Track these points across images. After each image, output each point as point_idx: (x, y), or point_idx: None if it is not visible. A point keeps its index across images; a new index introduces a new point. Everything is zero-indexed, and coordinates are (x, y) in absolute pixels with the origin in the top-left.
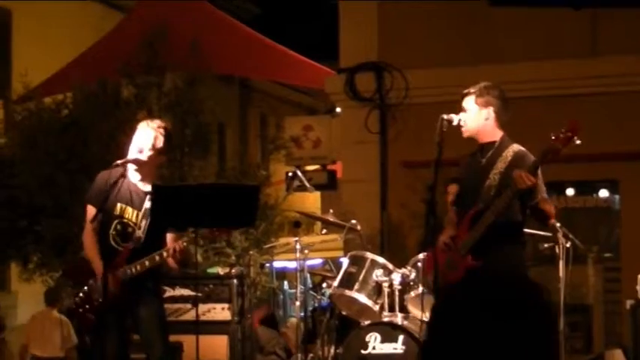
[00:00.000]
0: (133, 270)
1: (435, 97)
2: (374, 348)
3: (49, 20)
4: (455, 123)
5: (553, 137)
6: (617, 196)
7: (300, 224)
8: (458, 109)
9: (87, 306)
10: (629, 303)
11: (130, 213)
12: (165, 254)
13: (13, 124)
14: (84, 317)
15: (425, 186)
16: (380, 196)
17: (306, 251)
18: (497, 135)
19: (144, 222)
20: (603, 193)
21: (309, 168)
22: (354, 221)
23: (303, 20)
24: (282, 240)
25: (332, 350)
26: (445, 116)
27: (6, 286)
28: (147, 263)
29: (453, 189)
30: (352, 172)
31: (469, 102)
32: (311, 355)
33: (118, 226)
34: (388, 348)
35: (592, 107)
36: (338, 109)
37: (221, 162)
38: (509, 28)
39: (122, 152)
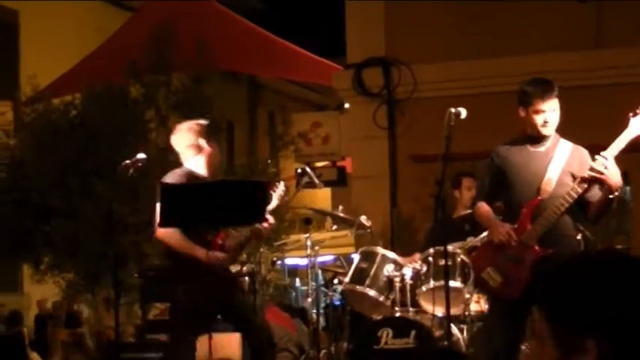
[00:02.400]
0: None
1: (443, 91)
2: (386, 343)
3: (56, 20)
4: (463, 116)
5: (633, 117)
6: (627, 188)
7: (310, 221)
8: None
9: (203, 297)
10: None
11: None
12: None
13: (22, 126)
14: (204, 310)
15: (434, 180)
16: (390, 191)
17: (316, 248)
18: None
19: None
20: None
21: (319, 164)
22: (363, 217)
23: (310, 16)
24: (293, 237)
25: (344, 346)
26: (453, 110)
27: (18, 287)
28: (242, 239)
29: (468, 182)
30: (362, 167)
31: (556, 103)
32: (324, 351)
33: None
34: (400, 343)
35: (599, 99)
36: (346, 105)
37: (230, 159)
38: (514, 21)
39: (132, 152)
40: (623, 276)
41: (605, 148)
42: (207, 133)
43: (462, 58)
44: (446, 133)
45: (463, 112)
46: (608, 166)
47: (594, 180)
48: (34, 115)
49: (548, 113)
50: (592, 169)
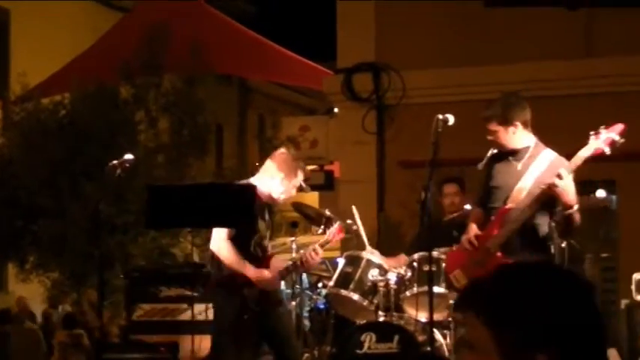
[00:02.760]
0: (285, 271)
1: (432, 98)
2: (369, 347)
3: (48, 20)
4: (450, 123)
5: (595, 138)
6: (614, 197)
7: (297, 224)
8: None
9: (245, 316)
10: (624, 303)
11: (262, 226)
12: (304, 260)
13: (11, 124)
14: (244, 327)
15: (421, 186)
16: (377, 196)
17: (302, 251)
18: (530, 139)
19: (268, 232)
20: (600, 193)
21: (307, 168)
22: (349, 221)
23: (301, 21)
24: (279, 240)
25: (327, 350)
26: (440, 116)
27: (3, 286)
28: (291, 267)
29: (449, 189)
30: (349, 172)
31: (491, 126)
32: (307, 355)
33: (257, 239)
34: (383, 348)
35: (588, 108)
36: (336, 110)
37: (219, 162)
38: (504, 29)
39: (121, 153)
40: (574, 290)
41: (594, 157)
42: (291, 171)
43: (452, 65)
44: (433, 139)
45: (451, 119)
46: (559, 184)
47: (547, 195)
48: (23, 114)
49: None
50: (546, 185)
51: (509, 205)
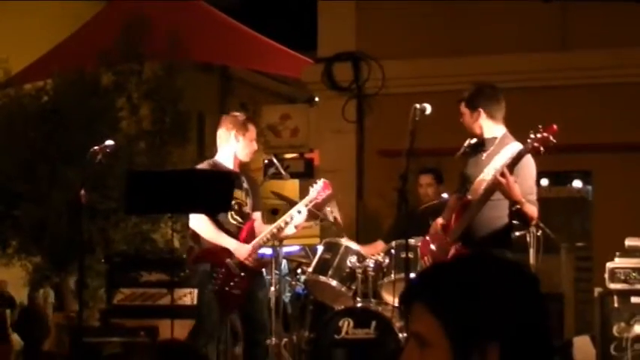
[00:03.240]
0: (264, 239)
1: (411, 88)
2: (347, 333)
3: (30, 7)
4: (427, 112)
5: (532, 136)
6: (590, 187)
7: (277, 211)
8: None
9: (231, 283)
10: (597, 291)
11: (239, 194)
12: (288, 220)
13: None
14: (231, 295)
15: (399, 175)
16: (356, 184)
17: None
18: (497, 131)
19: (248, 200)
20: (577, 183)
21: (288, 156)
22: (328, 209)
23: (282, 9)
24: None
25: (306, 335)
26: (418, 105)
27: None
28: (275, 231)
29: (424, 180)
30: (329, 160)
31: (461, 107)
32: (285, 340)
33: (236, 207)
34: (361, 333)
35: (564, 100)
36: (316, 99)
37: (200, 150)
38: (482, 20)
39: (102, 139)
40: (522, 281)
41: (568, 148)
42: (241, 126)
43: (432, 55)
44: (410, 128)
45: (428, 108)
46: (501, 181)
47: (493, 189)
48: (6, 99)
49: None
50: (490, 180)
51: (469, 197)
